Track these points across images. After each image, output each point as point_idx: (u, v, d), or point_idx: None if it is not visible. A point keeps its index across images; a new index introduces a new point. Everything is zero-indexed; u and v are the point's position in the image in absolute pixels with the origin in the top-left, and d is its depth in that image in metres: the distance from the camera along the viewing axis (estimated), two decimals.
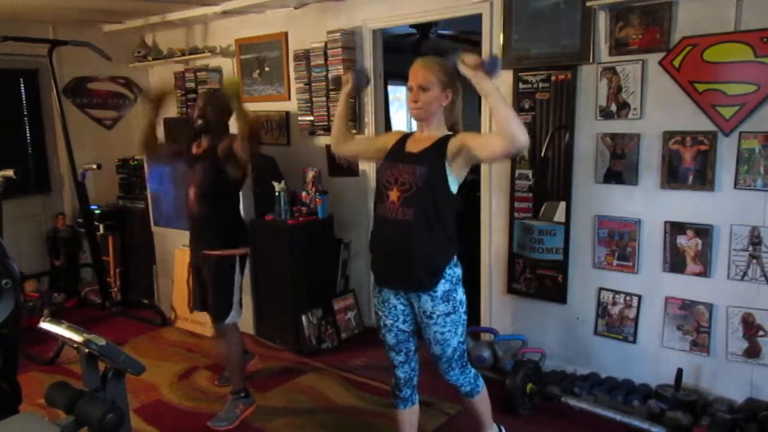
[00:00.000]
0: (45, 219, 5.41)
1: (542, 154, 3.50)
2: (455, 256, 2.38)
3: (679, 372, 3.05)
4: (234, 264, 3.18)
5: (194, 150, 3.25)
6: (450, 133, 2.37)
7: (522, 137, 2.04)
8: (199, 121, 3.17)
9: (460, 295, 2.38)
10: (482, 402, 2.63)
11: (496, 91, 2.10)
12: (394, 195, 2.31)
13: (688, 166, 3.05)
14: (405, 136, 2.47)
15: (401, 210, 2.29)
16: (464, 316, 2.41)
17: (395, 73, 4.85)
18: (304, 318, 4.12)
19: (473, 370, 2.55)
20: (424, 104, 2.30)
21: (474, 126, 3.66)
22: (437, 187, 2.26)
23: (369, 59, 4.23)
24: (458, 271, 2.38)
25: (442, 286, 2.31)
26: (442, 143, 2.30)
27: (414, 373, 2.55)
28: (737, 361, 3.03)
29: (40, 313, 4.49)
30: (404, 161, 2.34)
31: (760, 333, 2.96)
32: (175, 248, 4.65)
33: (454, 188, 2.29)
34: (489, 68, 2.08)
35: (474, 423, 2.72)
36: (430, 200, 2.26)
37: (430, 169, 2.26)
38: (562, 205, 3.49)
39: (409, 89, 2.34)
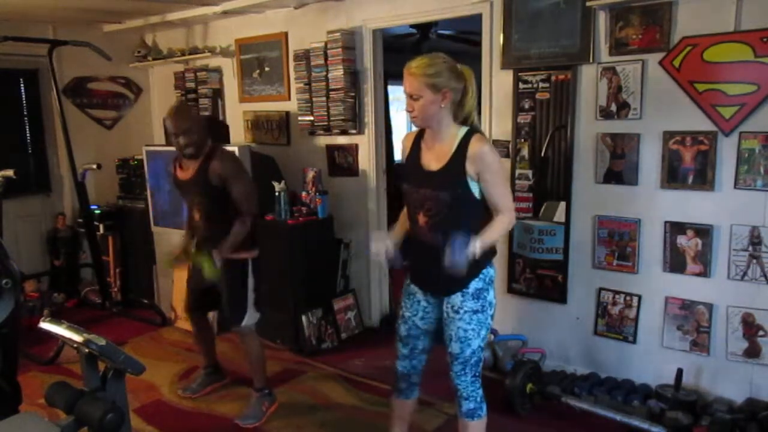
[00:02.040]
0: (45, 219, 5.41)
1: (542, 154, 3.50)
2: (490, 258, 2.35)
3: (679, 372, 3.05)
4: (247, 267, 3.17)
5: (180, 175, 3.17)
6: (465, 131, 2.25)
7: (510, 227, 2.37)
8: (189, 150, 3.05)
9: (491, 296, 2.34)
10: (479, 430, 2.45)
11: (482, 242, 2.17)
12: (422, 219, 2.29)
13: (688, 166, 3.05)
14: (417, 138, 2.37)
15: (431, 235, 2.26)
16: (490, 321, 2.36)
17: (395, 73, 4.84)
18: (304, 318, 4.12)
19: (482, 392, 2.43)
20: (419, 112, 2.23)
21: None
22: (462, 206, 2.23)
23: (369, 59, 4.23)
24: (492, 271, 2.34)
25: (475, 284, 2.28)
26: (460, 156, 2.20)
27: (414, 371, 2.54)
28: (737, 361, 3.03)
29: (40, 313, 4.49)
30: (425, 185, 2.26)
31: (760, 333, 2.96)
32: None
33: (479, 193, 2.23)
34: (457, 254, 2.08)
35: None
36: (458, 221, 2.21)
37: (452, 193, 2.21)
38: (562, 205, 3.49)
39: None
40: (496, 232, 2.24)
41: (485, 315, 2.33)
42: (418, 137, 2.38)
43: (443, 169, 2.23)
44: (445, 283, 2.30)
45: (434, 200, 2.23)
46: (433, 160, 2.27)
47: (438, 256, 2.19)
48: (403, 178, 2.38)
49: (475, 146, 2.19)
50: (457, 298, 2.31)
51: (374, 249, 2.37)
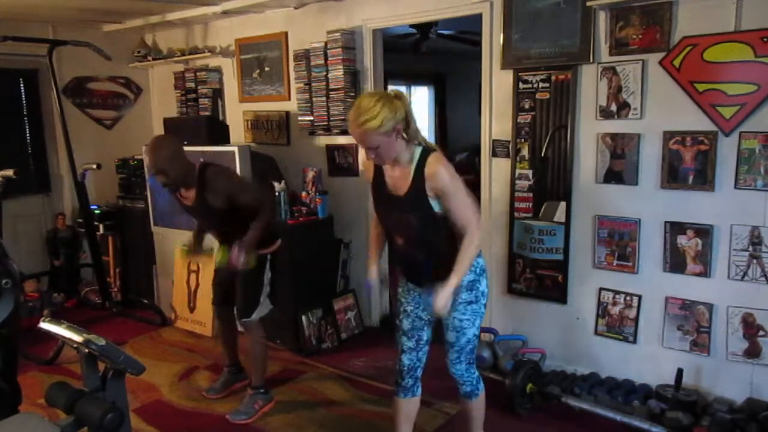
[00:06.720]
0: (45, 219, 5.41)
1: (542, 154, 3.50)
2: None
3: (680, 372, 3.05)
4: (265, 262, 3.20)
5: (183, 201, 3.18)
6: (420, 151, 2.26)
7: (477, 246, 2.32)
8: (170, 187, 3.10)
9: (483, 286, 2.43)
10: (478, 407, 2.62)
11: (457, 277, 2.26)
12: (399, 240, 2.40)
13: (688, 166, 3.05)
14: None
15: (409, 251, 2.40)
16: (483, 309, 2.45)
17: (395, 73, 4.86)
18: (304, 318, 4.12)
19: (477, 373, 2.57)
20: (381, 158, 2.27)
21: (474, 127, 3.66)
22: (432, 224, 2.30)
23: (369, 59, 4.23)
24: (481, 261, 2.42)
25: (467, 277, 2.35)
26: (419, 178, 2.25)
27: (419, 364, 2.56)
28: (737, 361, 3.03)
29: (40, 313, 4.49)
30: (394, 209, 2.35)
31: (761, 333, 2.96)
32: (175, 248, 4.65)
33: (441, 209, 2.29)
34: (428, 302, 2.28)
35: (463, 428, 2.71)
36: (431, 237, 2.32)
37: (418, 215, 2.28)
38: (562, 205, 3.49)
39: None
40: (466, 260, 2.28)
41: (479, 305, 2.43)
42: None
43: (407, 193, 2.29)
44: (439, 280, 2.34)
45: (405, 222, 2.34)
46: (397, 184, 2.33)
47: (420, 266, 2.39)
48: (373, 201, 2.48)
49: (430, 168, 2.24)
50: None
51: (373, 284, 2.63)
